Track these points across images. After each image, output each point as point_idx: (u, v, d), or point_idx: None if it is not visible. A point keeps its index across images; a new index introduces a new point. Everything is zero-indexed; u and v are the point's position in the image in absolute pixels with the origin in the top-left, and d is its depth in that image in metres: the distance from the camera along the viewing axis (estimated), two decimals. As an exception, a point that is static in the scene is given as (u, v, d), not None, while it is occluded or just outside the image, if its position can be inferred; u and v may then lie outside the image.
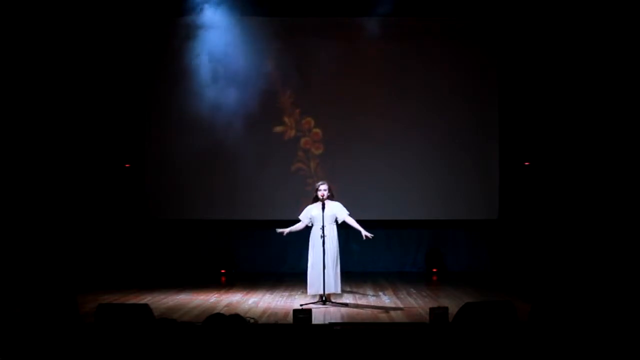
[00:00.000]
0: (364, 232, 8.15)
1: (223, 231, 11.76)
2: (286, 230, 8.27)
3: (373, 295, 8.91)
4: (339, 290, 8.13)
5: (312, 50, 11.45)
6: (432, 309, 6.61)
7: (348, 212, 8.21)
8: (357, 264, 11.13)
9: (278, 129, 11.67)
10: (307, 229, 8.27)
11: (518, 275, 10.90)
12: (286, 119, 11.69)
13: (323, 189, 8.07)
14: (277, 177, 11.55)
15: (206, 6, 10.81)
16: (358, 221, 8.32)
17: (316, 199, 8.13)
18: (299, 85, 11.58)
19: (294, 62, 11.49)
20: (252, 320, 6.55)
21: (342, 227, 8.32)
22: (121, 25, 11.28)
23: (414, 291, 9.32)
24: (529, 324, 5.01)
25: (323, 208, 7.94)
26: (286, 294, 9.01)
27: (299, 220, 8.29)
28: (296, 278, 9.90)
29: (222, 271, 11.46)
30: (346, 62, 11.47)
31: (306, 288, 8.18)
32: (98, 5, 10.93)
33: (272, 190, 11.50)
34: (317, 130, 11.72)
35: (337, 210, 8.16)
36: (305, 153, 11.72)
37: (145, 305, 5.38)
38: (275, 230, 8.30)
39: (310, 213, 8.15)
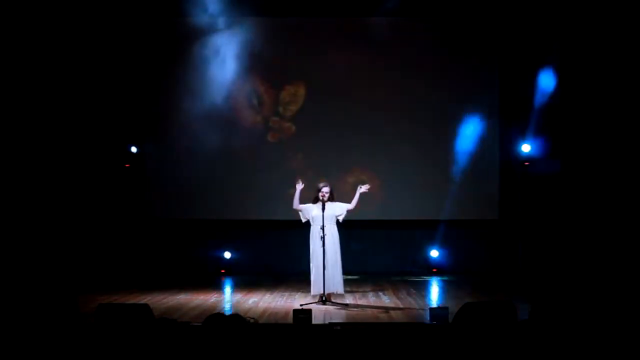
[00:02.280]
0: (363, 188, 8.12)
1: (223, 231, 11.74)
2: (299, 188, 8.19)
3: (373, 296, 8.91)
4: (341, 290, 8.12)
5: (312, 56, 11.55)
6: (432, 309, 6.61)
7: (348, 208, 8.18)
8: (357, 264, 11.11)
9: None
10: (307, 228, 8.27)
11: (518, 275, 10.90)
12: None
13: (325, 192, 8.07)
14: (277, 178, 11.56)
15: (212, 8, 10.84)
16: (359, 221, 8.31)
17: (317, 200, 8.13)
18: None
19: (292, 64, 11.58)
20: (252, 320, 6.55)
21: (343, 227, 8.31)
22: (125, 24, 11.28)
23: (414, 291, 9.33)
24: (529, 324, 5.00)
25: (323, 208, 7.94)
26: (286, 294, 9.01)
27: (300, 222, 8.32)
28: (296, 278, 9.90)
29: (222, 271, 11.47)
30: (345, 63, 11.50)
31: (309, 288, 8.17)
32: (103, 3, 10.92)
33: (272, 190, 11.49)
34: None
35: (337, 209, 8.15)
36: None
37: (145, 305, 5.38)
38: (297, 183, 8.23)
39: (310, 213, 8.15)
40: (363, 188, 8.17)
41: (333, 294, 8.08)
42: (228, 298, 8.96)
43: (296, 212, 8.32)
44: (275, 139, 11.59)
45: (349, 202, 8.23)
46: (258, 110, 11.60)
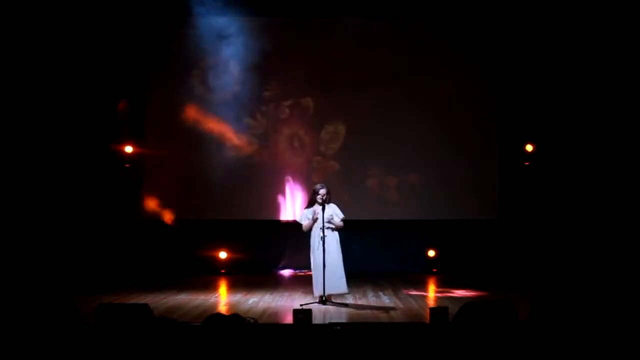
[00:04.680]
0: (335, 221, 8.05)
1: (223, 231, 11.74)
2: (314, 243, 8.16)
3: (373, 295, 8.91)
4: (345, 290, 8.10)
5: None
6: (432, 309, 6.60)
7: (342, 217, 8.15)
8: (357, 264, 11.09)
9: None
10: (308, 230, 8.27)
11: (518, 275, 10.89)
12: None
13: (322, 193, 8.07)
14: (278, 177, 11.58)
15: (212, 7, 10.82)
16: (359, 221, 8.30)
17: (315, 202, 8.11)
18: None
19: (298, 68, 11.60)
20: (252, 320, 6.55)
21: (344, 227, 8.29)
22: (121, 24, 11.26)
23: (414, 291, 9.32)
24: (529, 324, 5.01)
25: (323, 209, 7.94)
26: (286, 294, 9.00)
27: (298, 224, 8.29)
28: (296, 278, 9.91)
29: (222, 271, 11.47)
30: (344, 62, 11.52)
31: (312, 289, 8.14)
32: (98, 3, 10.92)
33: (273, 189, 11.51)
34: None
35: (332, 212, 8.13)
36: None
37: (145, 305, 5.39)
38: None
39: (313, 214, 8.14)
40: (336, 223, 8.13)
41: (333, 294, 8.06)
42: (228, 298, 8.95)
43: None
44: (318, 177, 11.42)
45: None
46: (301, 151, 11.65)
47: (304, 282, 8.62)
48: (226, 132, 11.32)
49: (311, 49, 11.55)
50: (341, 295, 8.24)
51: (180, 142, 11.48)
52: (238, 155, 11.42)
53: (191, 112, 11.33)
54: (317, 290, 8.00)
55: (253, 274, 11.25)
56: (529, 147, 11.33)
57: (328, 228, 7.99)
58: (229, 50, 11.07)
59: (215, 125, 11.29)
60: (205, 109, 11.39)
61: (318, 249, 7.92)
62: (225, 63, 11.22)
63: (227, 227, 11.72)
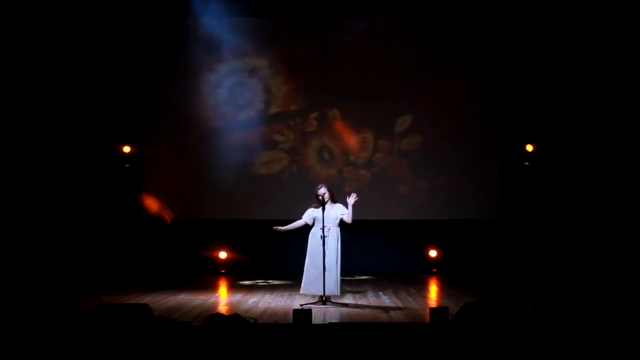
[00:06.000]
0: (352, 200, 8.03)
1: (223, 231, 11.74)
2: (283, 228, 8.23)
3: (373, 295, 8.91)
4: (338, 293, 8.10)
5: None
6: (432, 309, 6.60)
7: (347, 214, 8.13)
8: (357, 264, 11.10)
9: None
10: (306, 229, 8.25)
11: (518, 275, 10.90)
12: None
13: (321, 193, 8.06)
14: (278, 176, 11.58)
15: (212, 7, 10.82)
16: (359, 221, 8.29)
17: (318, 203, 8.10)
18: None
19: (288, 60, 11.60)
20: (252, 320, 6.54)
21: (343, 227, 8.28)
22: (123, 24, 11.27)
23: (414, 291, 9.33)
24: (529, 324, 5.01)
25: (323, 209, 7.93)
26: (286, 294, 9.00)
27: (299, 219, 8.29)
28: (296, 278, 9.86)
29: (222, 271, 11.47)
30: (344, 66, 11.53)
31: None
32: (101, 3, 10.91)
33: (273, 189, 11.51)
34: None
35: (340, 211, 8.12)
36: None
37: (145, 305, 5.40)
38: (273, 228, 8.27)
39: (313, 214, 8.14)
40: (352, 199, 8.11)
41: (332, 295, 8.05)
42: (228, 298, 8.95)
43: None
44: (352, 188, 11.14)
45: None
46: (330, 163, 11.66)
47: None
48: (235, 132, 11.34)
49: (331, 57, 11.52)
50: (339, 296, 8.22)
51: (180, 141, 11.47)
52: (267, 172, 11.58)
53: (199, 114, 11.36)
54: (304, 289, 8.02)
55: (254, 273, 11.22)
56: (529, 147, 11.33)
57: (330, 228, 8.00)
58: (239, 54, 11.19)
59: (228, 127, 11.31)
60: (210, 111, 11.40)
61: (318, 249, 7.91)
62: (235, 67, 11.37)
63: (227, 227, 11.70)
